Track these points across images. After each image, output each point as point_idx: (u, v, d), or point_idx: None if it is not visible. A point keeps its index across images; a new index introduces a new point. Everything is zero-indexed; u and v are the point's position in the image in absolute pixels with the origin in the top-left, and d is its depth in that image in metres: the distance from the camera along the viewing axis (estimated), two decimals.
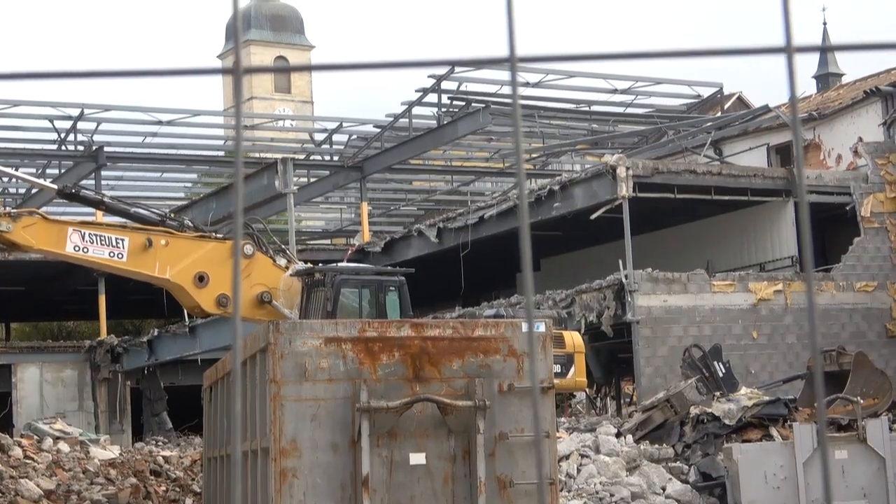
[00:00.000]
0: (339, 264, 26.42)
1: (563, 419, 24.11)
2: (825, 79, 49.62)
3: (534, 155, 41.68)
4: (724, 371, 27.31)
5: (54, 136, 40.01)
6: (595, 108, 42.02)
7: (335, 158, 43.49)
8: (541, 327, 15.96)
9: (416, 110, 39.74)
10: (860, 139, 34.35)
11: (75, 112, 39.32)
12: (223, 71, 1.49)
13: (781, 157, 37.60)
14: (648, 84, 41.67)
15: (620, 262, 29.73)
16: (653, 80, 41.61)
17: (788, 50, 1.27)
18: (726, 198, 32.16)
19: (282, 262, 20.86)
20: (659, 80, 41.92)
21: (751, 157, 37.88)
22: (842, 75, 49.78)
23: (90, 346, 38.99)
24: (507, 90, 37.73)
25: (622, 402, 33.27)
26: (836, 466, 18.25)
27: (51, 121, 39.70)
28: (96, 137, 40.01)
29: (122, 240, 19.99)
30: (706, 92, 43.96)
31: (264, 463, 13.77)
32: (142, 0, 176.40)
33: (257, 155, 43.08)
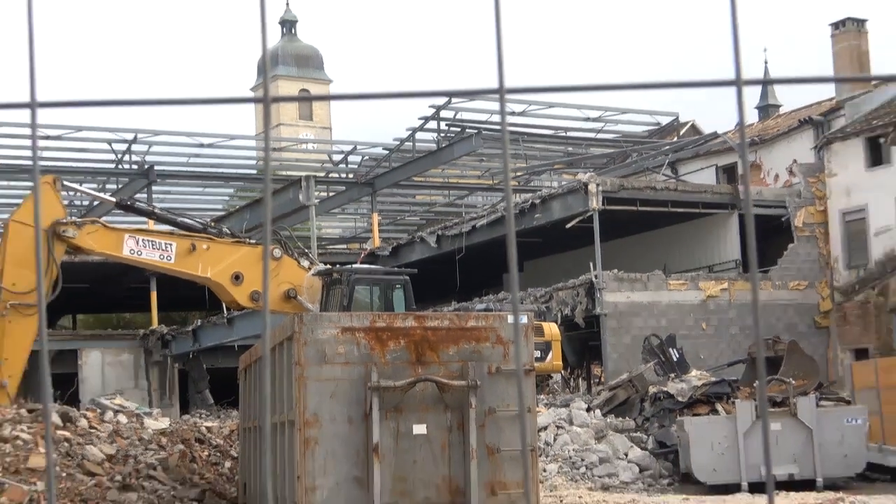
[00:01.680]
0: (354, 266, 26.37)
1: (542, 396, 24.09)
2: (765, 109, 49.84)
3: (518, 173, 41.71)
4: (677, 356, 27.34)
5: (112, 156, 40.06)
6: (570, 133, 42.09)
7: (350, 176, 43.54)
8: (524, 319, 15.96)
9: (419, 135, 39.83)
10: (795, 161, 34.45)
11: (130, 136, 39.42)
12: (255, 100, 1.47)
13: (728, 175, 37.67)
14: (615, 113, 41.79)
15: (591, 264, 29.79)
16: (619, 109, 41.76)
17: (738, 83, 1.26)
18: (681, 210, 32.26)
19: (305, 263, 20.86)
20: (625, 110, 42.06)
21: (702, 176, 37.95)
22: (780, 106, 49.89)
23: (144, 334, 39.03)
24: (496, 118, 37.76)
25: (592, 382, 33.26)
26: (772, 437, 18.28)
27: (109, 143, 39.76)
28: (148, 158, 40.14)
29: (171, 244, 19.99)
30: (664, 120, 44.08)
31: (291, 433, 13.78)
32: (190, 42, 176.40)
33: (284, 173, 43.01)
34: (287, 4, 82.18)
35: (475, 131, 37.15)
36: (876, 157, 31.84)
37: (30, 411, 17.92)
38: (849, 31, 36.71)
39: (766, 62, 52.45)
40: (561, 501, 17.38)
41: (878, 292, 31.06)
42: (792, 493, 17.16)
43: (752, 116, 47.57)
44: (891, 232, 31.28)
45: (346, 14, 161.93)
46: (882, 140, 30.53)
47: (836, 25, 36.97)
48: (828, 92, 37.67)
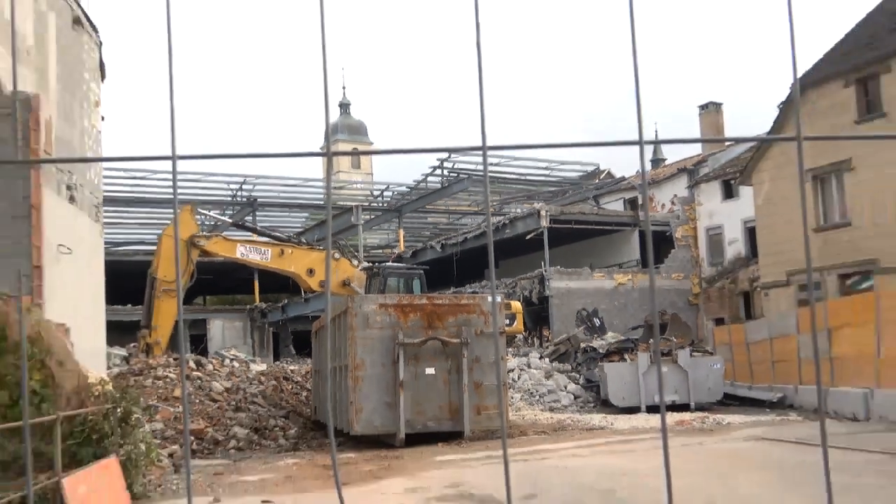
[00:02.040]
0: (387, 263, 26.35)
1: (510, 349, 24.10)
2: (656, 161, 49.76)
3: (494, 203, 41.60)
4: (598, 323, 27.32)
5: (229, 192, 40.02)
6: (528, 177, 41.95)
7: (385, 205, 43.48)
8: (498, 298, 15.94)
9: (430, 178, 39.81)
10: (675, 195, 34.42)
11: (241, 179, 39.40)
12: (321, 154, 1.46)
13: (631, 205, 37.58)
14: (558, 164, 41.67)
15: (542, 262, 29.77)
16: (560, 161, 41.64)
17: (640, 143, 1.24)
18: (600, 227, 32.28)
19: (355, 262, 20.85)
20: (564, 162, 41.93)
21: (614, 205, 37.90)
22: (665, 159, 49.86)
23: (249, 308, 38.99)
24: (480, 167, 37.74)
25: (543, 340, 33.21)
26: (661, 376, 18.26)
27: (227, 183, 39.72)
28: (253, 193, 40.04)
29: (267, 250, 19.98)
30: (590, 168, 43.94)
31: (345, 373, 13.77)
32: (280, 113, 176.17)
33: (341, 203, 42.96)
34: (343, 92, 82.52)
35: (466, 176, 37.18)
36: (728, 193, 31.85)
37: (175, 359, 17.91)
38: (710, 110, 36.96)
39: (656, 130, 52.54)
40: (523, 418, 17.36)
41: (730, 281, 31.03)
42: (674, 413, 17.14)
43: (648, 165, 47.47)
44: (737, 242, 31.32)
45: (383, 98, 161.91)
46: (732, 182, 30.53)
47: (702, 107, 37.35)
48: (696, 150, 37.68)
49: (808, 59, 23.06)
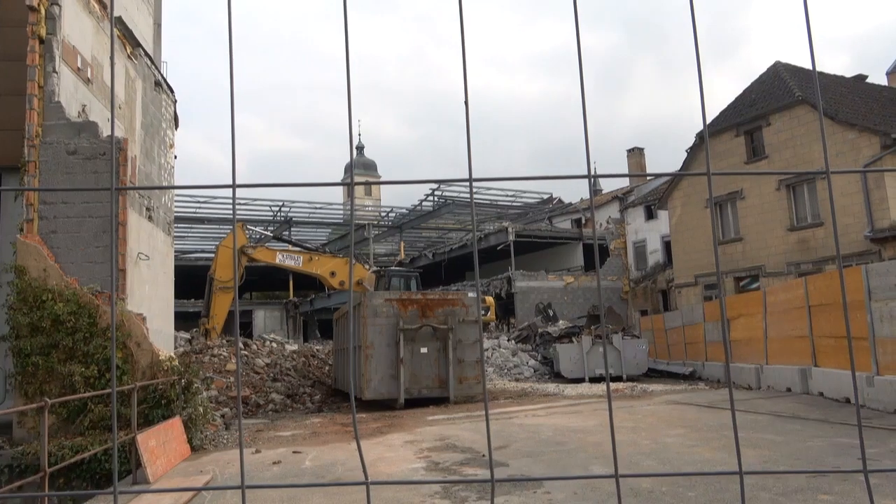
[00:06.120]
0: (391, 267, 26.22)
1: (485, 333, 24.02)
2: (595, 191, 49.82)
3: (474, 220, 41.47)
4: (552, 314, 27.31)
5: (270, 213, 39.71)
6: (499, 202, 41.92)
7: (390, 223, 43.34)
8: (475, 294, 15.85)
9: (424, 203, 39.73)
10: (609, 217, 34.59)
11: (280, 203, 39.13)
12: (343, 184, 1.44)
13: (576, 223, 37.72)
14: (522, 192, 41.72)
15: (509, 267, 29.75)
16: (523, 190, 41.69)
17: (589, 176, 1.24)
18: (553, 241, 32.34)
19: (367, 266, 20.72)
20: (525, 191, 41.99)
21: (563, 224, 38.02)
22: (601, 189, 50.04)
23: (285, 302, 38.66)
24: (462, 194, 37.77)
25: (510, 326, 33.15)
26: (599, 355, 18.27)
27: (269, 206, 39.44)
28: (290, 214, 39.75)
29: (299, 257, 19.81)
30: (545, 196, 44.02)
31: (359, 352, 13.66)
32: (313, 151, 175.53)
33: (356, 221, 42.70)
34: (359, 138, 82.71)
35: (451, 201, 37.20)
36: (650, 215, 32.03)
37: (227, 341, 17.70)
38: (636, 153, 37.27)
39: (595, 167, 52.74)
40: (495, 386, 17.28)
41: (651, 282, 31.17)
42: (610, 383, 17.12)
43: (587, 194, 47.51)
44: (657, 252, 31.47)
45: (388, 141, 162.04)
46: (652, 207, 30.73)
47: (629, 151, 37.63)
48: (625, 183, 37.92)
49: (708, 116, 23.47)
